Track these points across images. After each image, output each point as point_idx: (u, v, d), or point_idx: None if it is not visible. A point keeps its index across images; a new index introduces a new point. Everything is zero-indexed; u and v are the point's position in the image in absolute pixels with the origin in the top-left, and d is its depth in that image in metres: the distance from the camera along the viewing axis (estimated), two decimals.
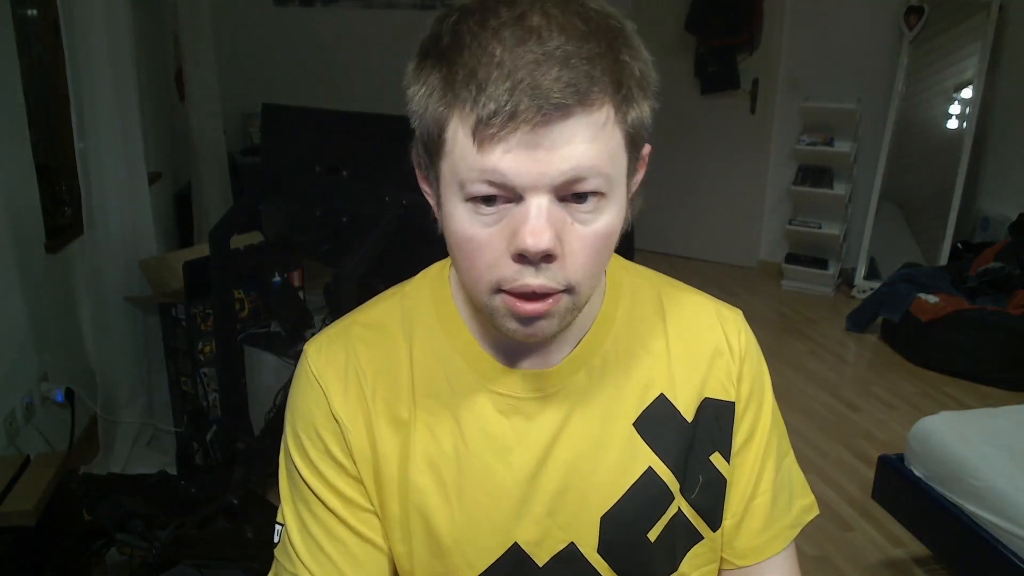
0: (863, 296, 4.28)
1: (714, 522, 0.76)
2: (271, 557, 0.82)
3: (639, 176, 0.67)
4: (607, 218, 0.61)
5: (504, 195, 0.58)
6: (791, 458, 0.83)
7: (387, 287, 0.82)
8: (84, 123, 2.41)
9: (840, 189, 4.55)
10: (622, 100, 0.59)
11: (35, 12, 2.65)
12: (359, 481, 0.71)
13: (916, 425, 2.07)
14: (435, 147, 0.61)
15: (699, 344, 0.76)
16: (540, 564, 0.72)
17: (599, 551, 0.72)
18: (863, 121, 4.50)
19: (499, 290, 0.62)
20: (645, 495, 0.72)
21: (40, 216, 2.41)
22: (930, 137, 4.38)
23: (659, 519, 0.73)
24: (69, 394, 2.40)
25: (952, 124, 4.29)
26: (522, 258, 0.59)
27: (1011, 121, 4.21)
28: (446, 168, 0.61)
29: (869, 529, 2.36)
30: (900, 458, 2.10)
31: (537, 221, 0.57)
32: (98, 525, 1.88)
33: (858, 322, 3.99)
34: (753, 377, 0.78)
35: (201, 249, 2.62)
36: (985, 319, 3.37)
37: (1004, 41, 4.16)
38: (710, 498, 0.76)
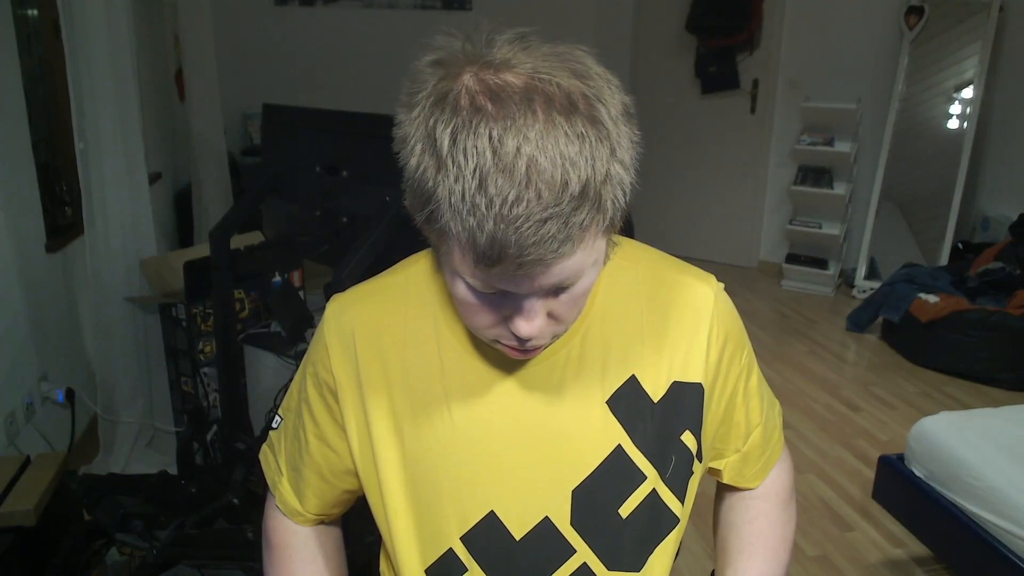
0: (863, 296, 4.28)
1: (682, 497, 0.80)
2: None
3: None
4: (587, 280, 0.67)
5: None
6: (762, 375, 0.89)
7: None
8: (84, 123, 2.41)
9: (840, 189, 4.55)
10: (608, 221, 0.62)
11: (35, 12, 2.65)
12: (339, 406, 0.81)
13: (916, 425, 2.07)
14: (431, 220, 0.61)
15: (674, 326, 0.79)
16: (517, 538, 0.76)
17: (573, 524, 0.76)
18: (863, 121, 4.50)
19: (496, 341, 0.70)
20: (615, 471, 0.76)
21: (40, 216, 2.41)
22: (930, 137, 4.38)
23: (629, 496, 0.77)
24: (69, 394, 2.40)
25: (952, 124, 4.29)
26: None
27: (1011, 121, 4.21)
28: (443, 246, 0.64)
29: (869, 529, 2.36)
30: (900, 458, 2.10)
31: (530, 316, 0.65)
32: (98, 525, 1.88)
33: (858, 322, 3.99)
34: (724, 339, 0.81)
35: (201, 249, 2.62)
36: (985, 319, 3.36)
37: (1004, 41, 4.16)
38: (680, 475, 0.79)
